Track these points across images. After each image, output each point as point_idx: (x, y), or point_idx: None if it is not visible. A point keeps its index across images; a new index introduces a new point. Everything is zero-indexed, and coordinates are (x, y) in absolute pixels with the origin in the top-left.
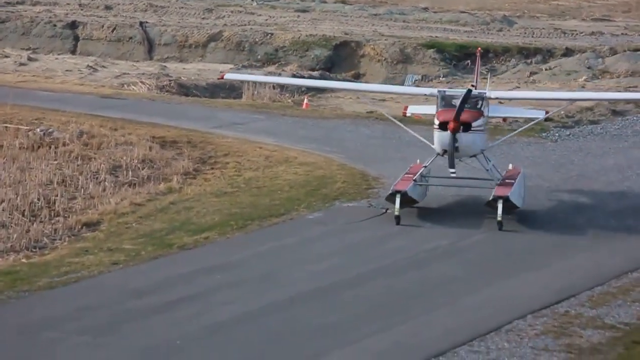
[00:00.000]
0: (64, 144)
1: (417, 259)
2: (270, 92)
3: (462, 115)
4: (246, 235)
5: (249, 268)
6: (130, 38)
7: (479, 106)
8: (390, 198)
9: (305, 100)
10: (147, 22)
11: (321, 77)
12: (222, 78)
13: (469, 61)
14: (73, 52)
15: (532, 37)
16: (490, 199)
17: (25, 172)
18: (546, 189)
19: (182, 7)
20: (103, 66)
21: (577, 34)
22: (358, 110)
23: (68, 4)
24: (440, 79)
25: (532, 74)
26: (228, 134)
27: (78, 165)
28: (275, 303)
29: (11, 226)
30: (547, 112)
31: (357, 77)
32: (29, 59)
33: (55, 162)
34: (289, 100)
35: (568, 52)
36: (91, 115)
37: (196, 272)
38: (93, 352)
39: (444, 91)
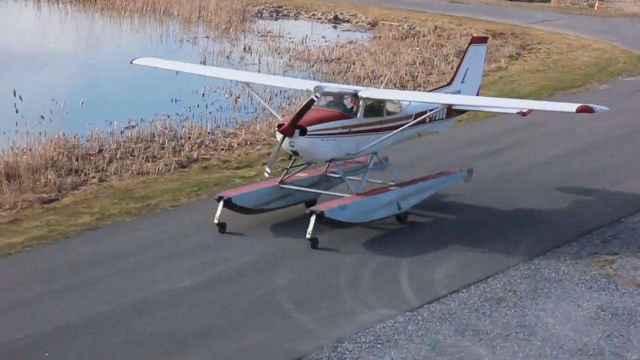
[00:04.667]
0: (423, 35)
1: None
2: None
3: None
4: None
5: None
6: None
7: (345, 105)
8: None
9: (597, 3)
10: None
11: None
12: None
13: None
14: None
15: None
16: (306, 210)
17: (396, 55)
18: None
19: None
20: None
21: None
22: (635, 11)
23: None
24: None
25: None
26: (540, 27)
27: (433, 51)
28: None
29: None
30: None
31: None
32: None
33: (417, 48)
34: (584, 3)
35: None
36: (442, 14)
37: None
38: None
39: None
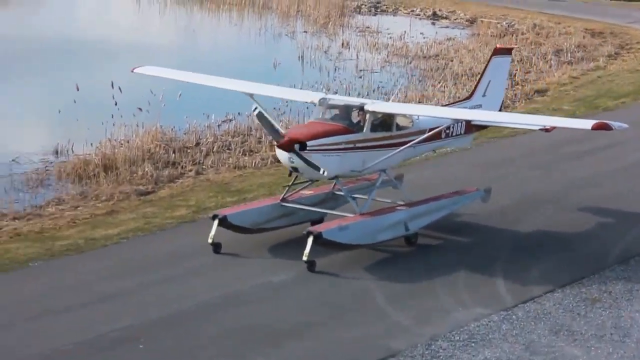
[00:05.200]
0: (522, 33)
1: None
2: None
3: (300, 131)
4: None
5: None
6: None
7: (351, 119)
8: None
9: None
10: None
11: None
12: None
13: None
14: None
15: None
16: (304, 232)
17: None
18: None
19: None
20: None
21: None
22: None
23: None
24: None
25: None
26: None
27: (532, 49)
28: None
29: None
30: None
31: None
32: None
33: (515, 46)
34: None
35: None
36: (541, 12)
37: None
38: None
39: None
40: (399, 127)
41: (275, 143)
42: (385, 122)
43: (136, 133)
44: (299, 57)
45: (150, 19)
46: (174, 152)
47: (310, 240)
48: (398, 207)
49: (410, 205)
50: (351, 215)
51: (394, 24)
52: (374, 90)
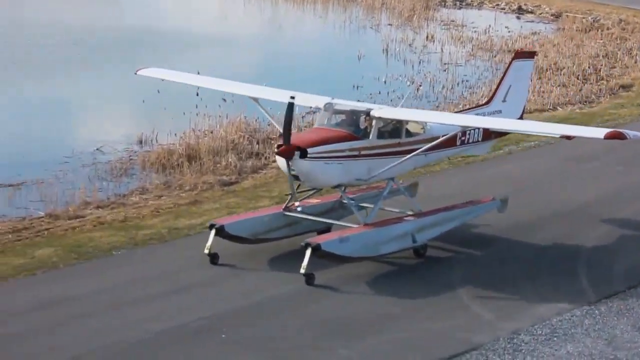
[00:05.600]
0: (607, 28)
1: None
2: None
3: (300, 137)
4: None
5: None
6: None
7: (357, 125)
8: None
9: None
10: None
11: None
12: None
13: None
14: None
15: None
16: (302, 243)
17: (579, 47)
18: None
19: None
20: None
21: None
22: None
23: None
24: None
25: None
26: None
27: (617, 44)
28: None
29: (569, 86)
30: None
31: None
32: None
33: (601, 41)
34: None
35: None
36: (627, 8)
37: None
38: None
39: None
40: (408, 134)
41: (275, 149)
42: (393, 128)
43: (220, 124)
44: (383, 49)
45: (235, 10)
46: (257, 143)
47: (308, 252)
48: (405, 218)
49: (419, 215)
50: (355, 225)
51: (479, 17)
52: (458, 84)
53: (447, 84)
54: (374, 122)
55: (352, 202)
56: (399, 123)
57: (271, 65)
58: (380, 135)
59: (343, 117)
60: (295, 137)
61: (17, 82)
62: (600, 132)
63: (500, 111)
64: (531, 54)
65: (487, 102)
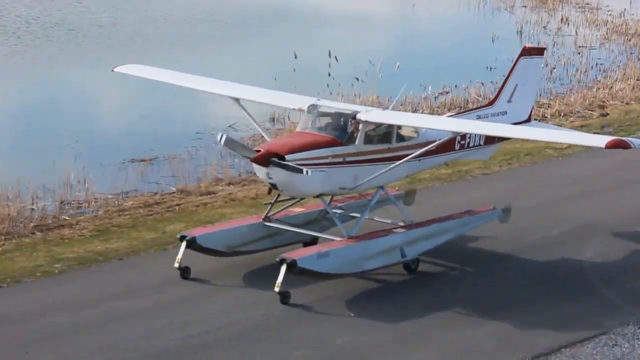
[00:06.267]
0: None
1: None
2: None
3: (278, 143)
4: None
5: None
6: None
7: (343, 129)
8: None
9: None
10: None
11: None
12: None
13: None
14: None
15: None
16: (277, 259)
17: None
18: None
19: None
20: None
21: None
22: None
23: None
24: None
25: None
26: None
27: None
28: None
29: None
30: None
31: None
32: None
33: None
34: None
35: None
36: None
37: None
38: None
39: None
40: (400, 138)
41: (249, 158)
42: (383, 132)
43: (353, 102)
44: (517, 31)
45: None
46: None
47: (283, 268)
48: (395, 230)
49: (409, 227)
50: (338, 239)
51: (614, 0)
52: (592, 67)
53: (581, 67)
54: (360, 126)
55: (336, 213)
56: (389, 127)
57: (406, 44)
58: (368, 140)
59: (328, 120)
60: (273, 143)
61: (164, 58)
62: (601, 141)
63: (505, 112)
64: (540, 51)
65: (491, 103)
